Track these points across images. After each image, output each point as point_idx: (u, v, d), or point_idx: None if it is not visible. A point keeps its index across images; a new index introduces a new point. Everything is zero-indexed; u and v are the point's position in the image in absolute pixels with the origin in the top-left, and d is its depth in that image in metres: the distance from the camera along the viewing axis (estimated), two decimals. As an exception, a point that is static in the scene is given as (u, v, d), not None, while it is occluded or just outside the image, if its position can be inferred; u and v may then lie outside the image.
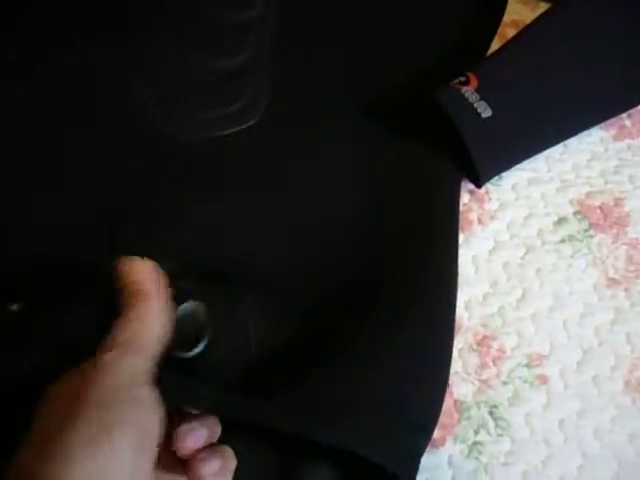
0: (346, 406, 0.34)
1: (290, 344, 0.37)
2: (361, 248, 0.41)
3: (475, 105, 0.44)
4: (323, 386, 0.35)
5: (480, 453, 0.39)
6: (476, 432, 0.40)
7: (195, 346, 0.35)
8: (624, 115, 0.53)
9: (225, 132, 0.45)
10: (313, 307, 0.38)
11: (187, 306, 0.35)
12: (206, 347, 0.35)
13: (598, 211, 0.49)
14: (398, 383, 0.35)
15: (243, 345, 0.36)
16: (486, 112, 0.44)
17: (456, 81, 0.46)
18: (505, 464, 0.39)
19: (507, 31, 0.57)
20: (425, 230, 0.42)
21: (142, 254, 0.35)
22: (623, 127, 0.53)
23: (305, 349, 0.37)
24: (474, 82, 0.45)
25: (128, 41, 0.49)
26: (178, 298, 0.35)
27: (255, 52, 0.49)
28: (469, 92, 0.45)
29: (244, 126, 0.46)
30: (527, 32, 0.49)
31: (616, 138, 0.53)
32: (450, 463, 0.39)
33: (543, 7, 0.55)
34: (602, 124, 0.52)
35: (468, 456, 0.39)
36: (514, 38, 0.50)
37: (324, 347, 0.36)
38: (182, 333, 0.34)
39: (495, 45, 0.55)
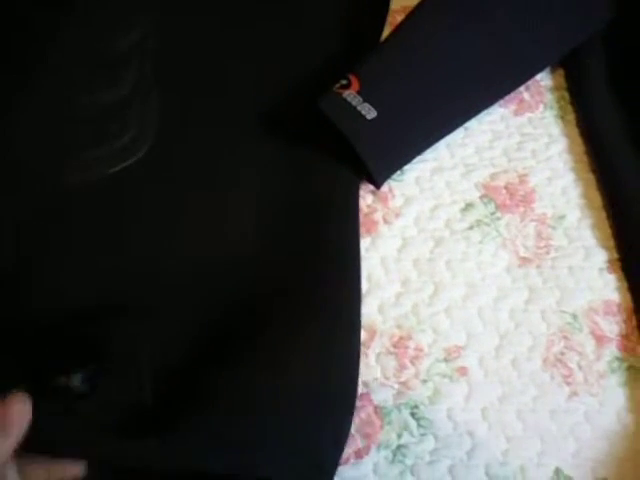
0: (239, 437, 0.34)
1: (180, 378, 0.37)
2: (257, 274, 0.41)
3: (359, 108, 0.44)
4: (211, 419, 0.35)
5: (404, 456, 0.40)
6: (399, 435, 0.40)
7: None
8: (522, 88, 0.53)
9: (113, 169, 0.44)
10: (206, 338, 0.39)
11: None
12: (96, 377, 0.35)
13: (504, 191, 0.49)
14: (296, 415, 0.36)
15: (134, 382, 0.37)
16: (370, 113, 0.44)
17: (338, 85, 0.45)
18: (430, 462, 0.40)
19: (397, 18, 0.56)
20: (320, 245, 0.42)
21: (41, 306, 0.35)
22: (522, 101, 0.54)
23: (195, 384, 0.37)
24: (355, 84, 0.44)
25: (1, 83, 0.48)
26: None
27: (137, 81, 0.48)
28: (351, 95, 0.44)
29: (132, 160, 0.45)
30: (407, 20, 0.49)
31: (517, 113, 0.53)
32: (375, 471, 0.39)
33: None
34: (501, 100, 0.52)
35: (393, 461, 0.40)
36: (397, 28, 0.50)
37: (214, 380, 0.37)
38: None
39: (386, 33, 0.55)
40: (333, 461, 0.36)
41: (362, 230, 0.46)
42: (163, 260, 0.42)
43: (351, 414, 0.38)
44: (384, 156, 0.44)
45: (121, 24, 0.51)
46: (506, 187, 0.49)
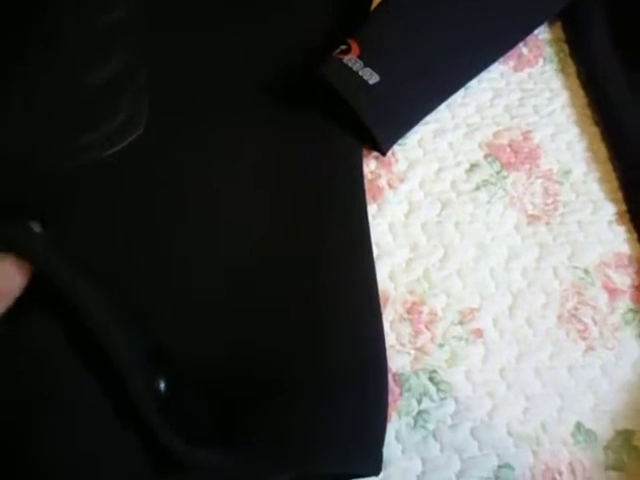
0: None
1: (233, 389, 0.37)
2: (267, 251, 0.41)
3: (360, 73, 0.43)
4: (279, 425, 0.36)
5: (426, 421, 0.40)
6: (419, 401, 0.40)
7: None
8: (520, 44, 0.52)
9: (107, 152, 0.43)
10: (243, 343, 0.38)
11: None
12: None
13: (508, 149, 0.48)
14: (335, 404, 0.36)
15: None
16: (373, 78, 0.43)
17: (338, 51, 0.44)
18: (452, 426, 0.40)
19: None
20: (326, 215, 0.41)
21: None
22: (521, 56, 0.53)
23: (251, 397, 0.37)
24: (356, 49, 0.43)
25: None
26: None
27: (126, 58, 0.46)
28: (352, 60, 0.43)
29: (127, 142, 0.43)
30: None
31: (516, 69, 0.52)
32: (398, 438, 0.39)
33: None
34: (500, 58, 0.51)
35: (415, 427, 0.39)
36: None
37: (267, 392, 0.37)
38: None
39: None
40: (380, 441, 0.36)
41: (367, 197, 0.45)
42: (165, 247, 0.41)
43: (386, 391, 0.38)
44: (389, 121, 0.43)
45: (104, 0, 0.49)
46: (510, 145, 0.48)
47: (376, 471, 0.36)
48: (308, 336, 0.39)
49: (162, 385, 0.35)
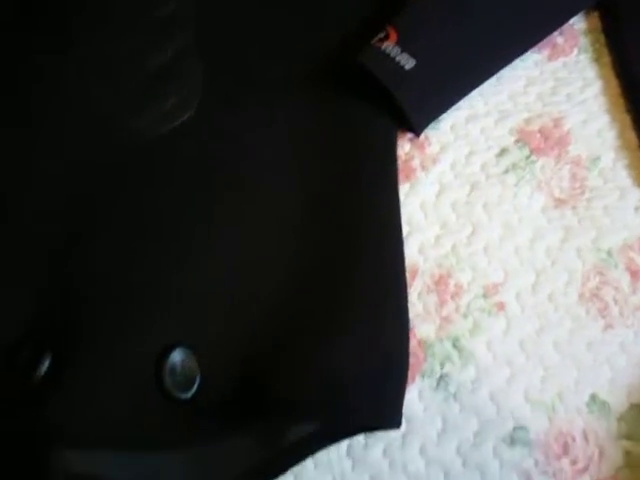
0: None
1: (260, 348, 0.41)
2: (303, 235, 0.44)
3: (397, 59, 0.45)
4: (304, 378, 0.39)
5: (448, 384, 0.42)
6: (442, 365, 0.43)
7: (191, 387, 0.39)
8: (555, 33, 0.54)
9: (171, 125, 0.47)
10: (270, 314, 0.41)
11: (176, 354, 0.39)
12: (200, 386, 0.39)
13: (538, 135, 0.50)
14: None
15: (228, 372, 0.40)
16: (409, 63, 0.45)
17: (376, 38, 0.47)
18: (472, 390, 0.42)
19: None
20: (361, 193, 0.44)
21: (108, 267, 0.40)
22: (556, 46, 0.54)
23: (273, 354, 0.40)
24: (393, 36, 0.46)
25: (70, 45, 0.50)
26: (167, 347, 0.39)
27: (179, 48, 0.50)
28: (390, 47, 0.46)
29: (177, 122, 0.47)
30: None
31: (550, 58, 0.54)
32: (420, 397, 0.42)
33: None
34: (535, 47, 0.53)
35: (437, 388, 0.42)
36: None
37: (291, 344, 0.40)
38: (178, 376, 0.39)
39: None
40: (401, 394, 0.40)
41: (401, 176, 0.48)
42: (213, 230, 0.44)
43: (407, 364, 0.41)
44: (423, 104, 0.46)
45: None
46: (540, 131, 0.50)
47: (396, 424, 0.39)
48: (331, 290, 0.42)
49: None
